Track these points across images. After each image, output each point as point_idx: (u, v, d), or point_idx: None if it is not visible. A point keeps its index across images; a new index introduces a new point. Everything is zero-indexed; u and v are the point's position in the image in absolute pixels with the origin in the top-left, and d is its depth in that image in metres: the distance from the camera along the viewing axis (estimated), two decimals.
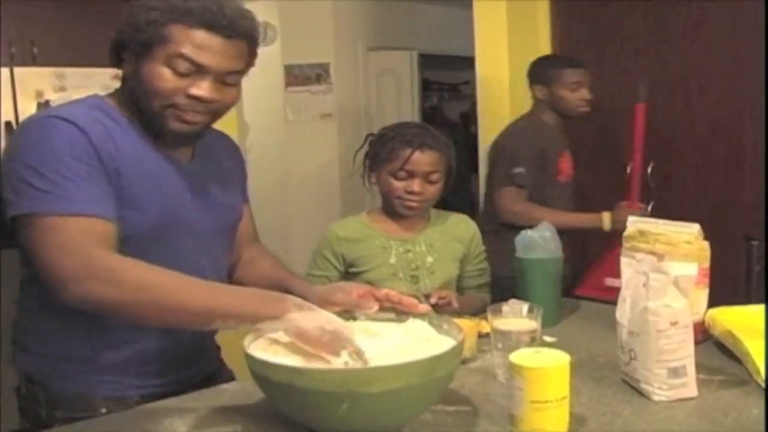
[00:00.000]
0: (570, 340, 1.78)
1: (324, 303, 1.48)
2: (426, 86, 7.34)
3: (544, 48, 3.91)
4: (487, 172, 3.28)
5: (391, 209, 2.14)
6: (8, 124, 3.40)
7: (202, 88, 1.47)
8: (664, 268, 1.44)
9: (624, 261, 1.60)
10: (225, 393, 1.52)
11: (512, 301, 1.67)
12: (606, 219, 3.05)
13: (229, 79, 1.50)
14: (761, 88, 3.19)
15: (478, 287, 2.24)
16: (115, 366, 1.53)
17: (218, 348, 1.79)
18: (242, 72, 1.53)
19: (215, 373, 1.73)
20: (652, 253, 1.67)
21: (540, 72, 3.24)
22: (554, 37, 3.91)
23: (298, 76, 5.96)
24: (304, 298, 1.40)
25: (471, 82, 8.08)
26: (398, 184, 2.08)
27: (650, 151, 3.51)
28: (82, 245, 1.35)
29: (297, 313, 1.31)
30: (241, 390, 1.52)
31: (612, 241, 2.84)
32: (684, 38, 3.47)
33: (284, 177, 5.83)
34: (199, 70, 1.46)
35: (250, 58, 1.54)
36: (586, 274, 3.22)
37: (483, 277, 2.26)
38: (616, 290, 1.57)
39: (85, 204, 1.38)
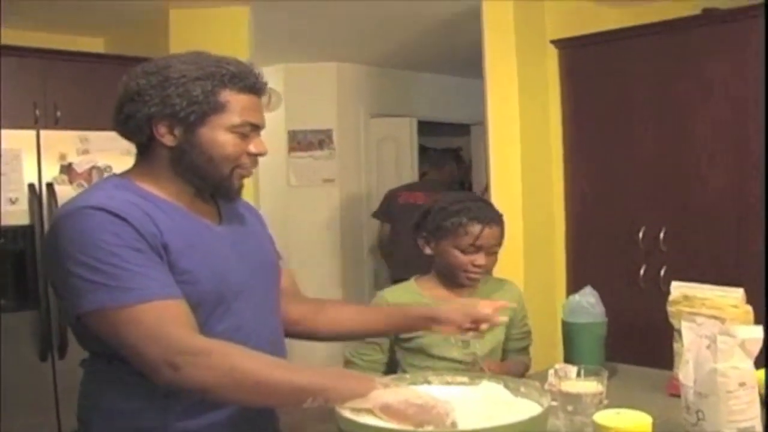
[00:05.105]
0: (621, 403, 1.79)
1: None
2: (421, 151, 7.41)
3: (555, 113, 4.00)
4: None
5: (452, 279, 2.17)
6: (31, 186, 3.40)
7: (260, 146, 1.57)
8: (732, 331, 1.48)
9: (685, 325, 1.63)
10: None
11: (560, 365, 1.70)
12: None
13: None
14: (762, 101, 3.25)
15: (521, 350, 2.27)
16: None
17: (278, 418, 1.78)
18: None
19: None
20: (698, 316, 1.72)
21: None
22: (564, 104, 4.00)
23: (301, 141, 6.04)
24: (433, 316, 1.78)
25: (464, 148, 8.25)
26: (464, 258, 2.11)
27: (662, 215, 3.59)
28: (163, 331, 1.35)
29: (382, 390, 1.35)
30: None
31: None
32: (691, 106, 3.54)
33: (286, 241, 5.83)
34: (253, 129, 1.56)
35: None
36: None
37: (525, 340, 2.29)
38: None
39: (149, 290, 1.38)
